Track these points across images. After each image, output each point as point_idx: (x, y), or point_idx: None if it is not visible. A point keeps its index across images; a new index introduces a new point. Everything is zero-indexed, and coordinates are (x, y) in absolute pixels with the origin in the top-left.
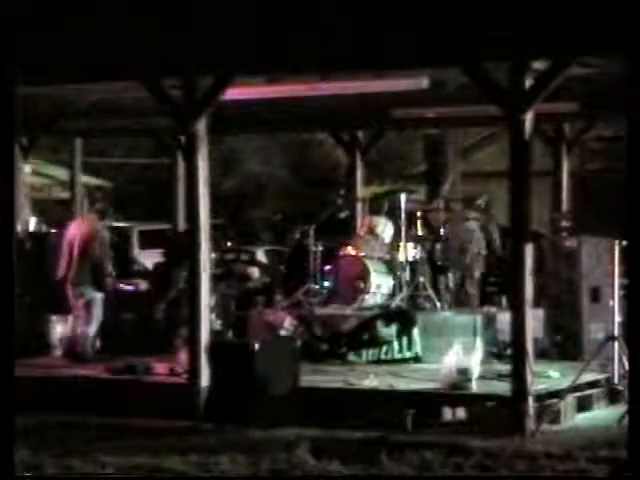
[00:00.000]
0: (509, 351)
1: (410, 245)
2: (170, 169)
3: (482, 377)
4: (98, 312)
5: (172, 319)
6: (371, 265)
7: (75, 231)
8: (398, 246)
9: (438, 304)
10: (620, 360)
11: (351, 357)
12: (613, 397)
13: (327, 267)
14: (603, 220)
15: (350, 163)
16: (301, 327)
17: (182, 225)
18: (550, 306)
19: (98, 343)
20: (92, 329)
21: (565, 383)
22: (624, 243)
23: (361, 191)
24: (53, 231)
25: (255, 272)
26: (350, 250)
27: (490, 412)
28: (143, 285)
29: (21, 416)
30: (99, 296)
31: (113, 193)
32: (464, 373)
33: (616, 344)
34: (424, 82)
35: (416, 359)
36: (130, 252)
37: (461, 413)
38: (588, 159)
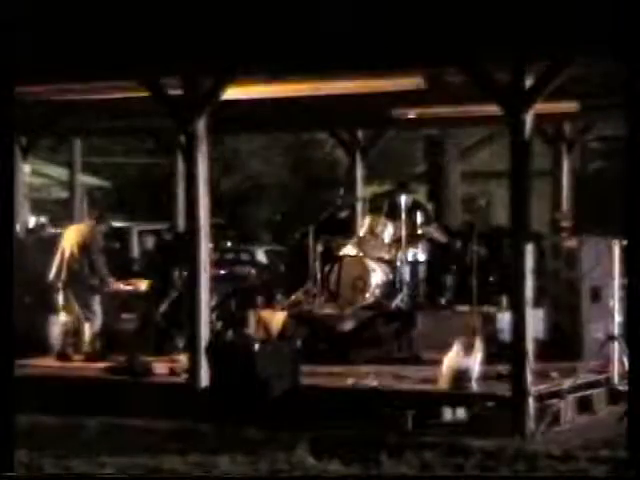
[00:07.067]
0: (509, 351)
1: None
2: (170, 169)
3: (482, 377)
4: (97, 310)
5: (172, 319)
6: (371, 265)
7: (72, 236)
8: (398, 246)
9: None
10: (620, 360)
11: (351, 357)
12: (613, 397)
13: (327, 267)
14: (603, 220)
15: (350, 163)
16: (301, 327)
17: (182, 225)
18: (550, 306)
19: (98, 343)
20: (95, 326)
21: (565, 383)
22: (624, 243)
23: (361, 191)
24: (51, 232)
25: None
26: (350, 250)
27: (490, 412)
28: (143, 285)
29: (21, 416)
30: (95, 297)
31: (113, 193)
32: (464, 373)
33: (616, 344)
34: (423, 82)
35: (416, 359)
36: (130, 252)
37: (461, 413)
38: (588, 159)
